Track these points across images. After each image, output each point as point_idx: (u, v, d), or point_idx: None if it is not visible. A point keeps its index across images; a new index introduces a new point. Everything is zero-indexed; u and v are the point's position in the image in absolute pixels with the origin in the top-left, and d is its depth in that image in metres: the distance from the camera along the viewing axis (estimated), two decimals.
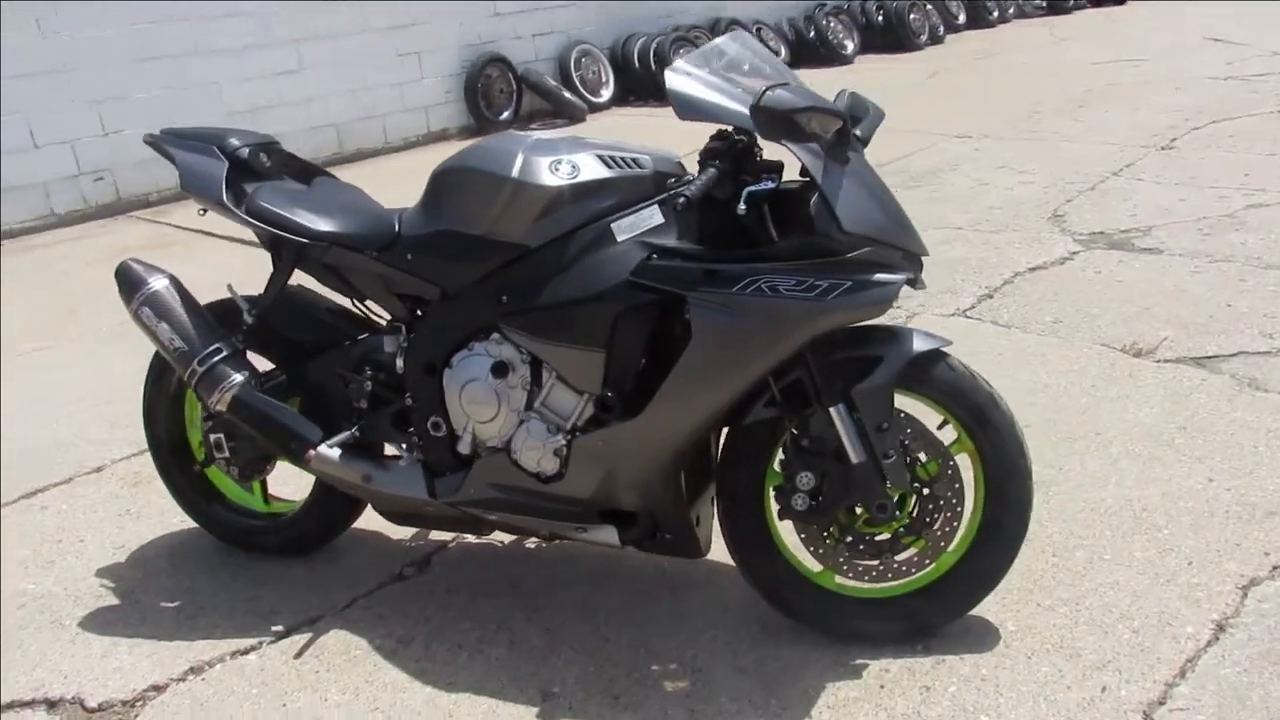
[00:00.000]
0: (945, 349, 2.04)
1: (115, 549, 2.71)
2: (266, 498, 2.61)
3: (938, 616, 2.12)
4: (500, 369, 2.09)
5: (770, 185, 1.87)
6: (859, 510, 2.05)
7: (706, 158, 1.89)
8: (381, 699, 2.08)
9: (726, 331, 1.88)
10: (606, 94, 9.28)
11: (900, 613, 2.12)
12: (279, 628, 2.34)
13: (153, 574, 2.59)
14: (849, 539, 2.08)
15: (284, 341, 2.37)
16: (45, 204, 6.30)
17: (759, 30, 10.57)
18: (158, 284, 2.29)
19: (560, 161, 2.01)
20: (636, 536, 2.15)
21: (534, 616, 2.31)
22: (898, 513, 2.03)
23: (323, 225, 2.22)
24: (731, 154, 1.89)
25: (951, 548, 2.12)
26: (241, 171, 2.33)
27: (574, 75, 9.00)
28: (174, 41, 6.67)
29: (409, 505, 2.26)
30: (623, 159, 2.03)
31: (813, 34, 10.92)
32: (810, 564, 2.14)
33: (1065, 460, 2.75)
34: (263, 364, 2.39)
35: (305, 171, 2.48)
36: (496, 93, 8.53)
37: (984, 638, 2.12)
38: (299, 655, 2.23)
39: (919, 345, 2.00)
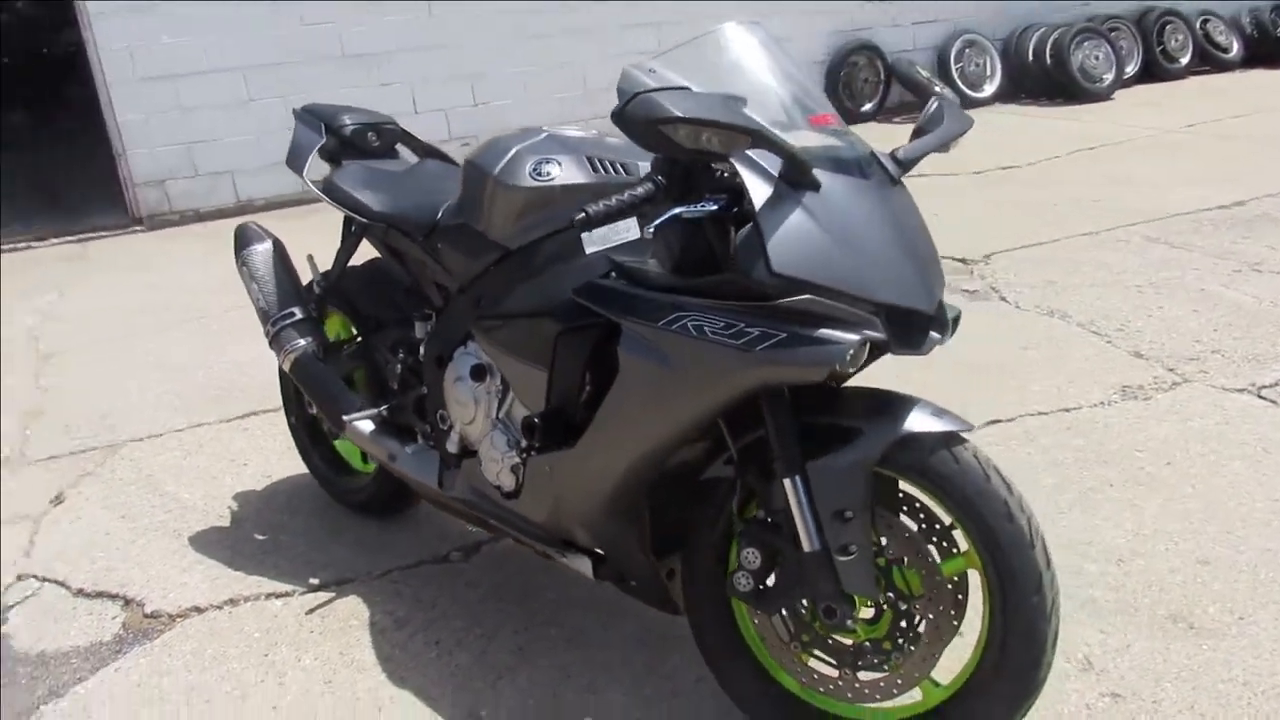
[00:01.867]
0: (962, 432, 1.61)
1: (262, 478, 3.02)
2: (365, 458, 2.75)
3: None
4: (478, 372, 2.00)
5: (708, 209, 1.57)
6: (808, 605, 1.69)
7: (655, 169, 1.63)
8: (339, 676, 2.11)
9: (649, 369, 1.63)
10: (989, 89, 8.52)
11: None
12: (315, 581, 2.46)
13: (270, 509, 2.85)
14: (805, 637, 1.73)
15: (356, 312, 2.47)
16: None
17: (1205, 23, 9.03)
18: (258, 247, 2.48)
19: (544, 162, 1.86)
20: (611, 575, 1.96)
21: (520, 633, 2.20)
22: (850, 622, 1.64)
23: (382, 207, 2.27)
24: (680, 169, 1.61)
25: (940, 680, 1.68)
26: (346, 148, 2.45)
27: (953, 67, 8.36)
28: (544, 23, 7.20)
29: (426, 491, 2.26)
30: (614, 165, 1.83)
31: None
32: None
33: None
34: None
35: (422, 151, 2.55)
36: (861, 82, 8.18)
37: None
38: (310, 612, 2.34)
39: (918, 424, 1.59)
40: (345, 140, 2.44)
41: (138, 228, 6.54)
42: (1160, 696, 1.87)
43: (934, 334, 1.62)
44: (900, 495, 1.70)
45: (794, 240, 1.50)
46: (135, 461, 3.20)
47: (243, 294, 2.62)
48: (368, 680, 2.09)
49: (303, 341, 2.38)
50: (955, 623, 1.68)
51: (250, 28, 6.47)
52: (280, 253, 2.51)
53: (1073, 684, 1.92)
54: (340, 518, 2.74)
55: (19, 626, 2.40)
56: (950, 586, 1.69)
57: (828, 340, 1.50)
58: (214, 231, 6.29)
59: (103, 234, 6.47)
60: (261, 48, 6.51)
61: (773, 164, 1.55)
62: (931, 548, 1.66)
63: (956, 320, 1.71)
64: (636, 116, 1.41)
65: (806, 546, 1.62)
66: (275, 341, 2.41)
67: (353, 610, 2.33)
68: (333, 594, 2.41)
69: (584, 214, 1.55)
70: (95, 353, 4.27)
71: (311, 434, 2.75)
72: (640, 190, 1.57)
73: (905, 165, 1.71)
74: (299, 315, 2.41)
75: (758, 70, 1.68)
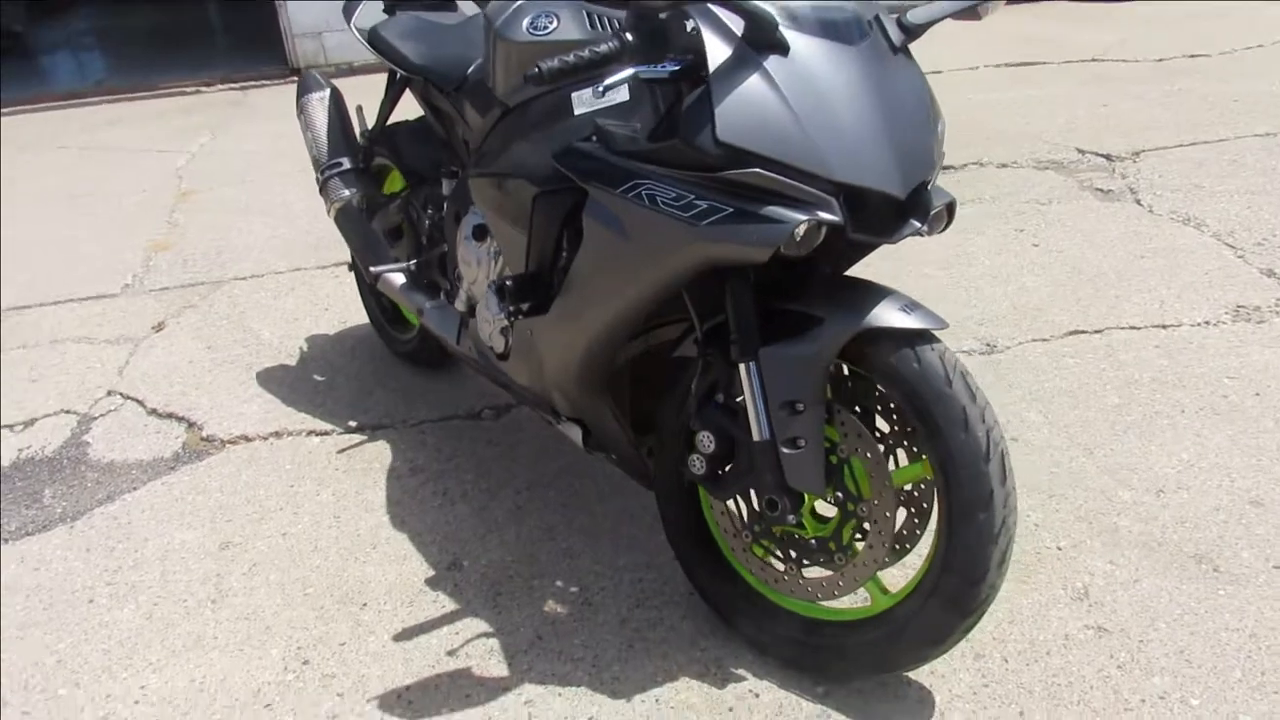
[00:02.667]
0: (934, 330, 1.50)
1: (337, 324, 3.17)
2: None
3: (851, 665, 1.66)
4: (480, 232, 2.00)
5: (668, 70, 1.46)
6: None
7: (625, 27, 1.53)
8: (347, 513, 2.24)
9: (608, 236, 1.58)
10: None
11: (812, 643, 1.69)
12: (353, 423, 2.59)
13: (333, 352, 2.99)
14: (756, 527, 1.69)
15: (404, 166, 2.50)
16: None
17: None
18: (316, 95, 2.53)
19: (542, 16, 1.78)
20: (599, 446, 1.96)
21: (521, 492, 2.26)
22: (791, 517, 1.58)
23: (420, 59, 2.26)
24: (648, 27, 1.51)
25: (890, 587, 1.62)
26: (407, 1, 2.44)
27: None
28: None
29: (448, 346, 2.31)
30: (612, 21, 1.74)
31: None
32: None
33: None
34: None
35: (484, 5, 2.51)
36: None
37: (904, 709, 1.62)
38: (341, 451, 2.47)
39: (882, 318, 1.48)
40: None
41: (295, 78, 6.80)
42: (1150, 637, 1.74)
43: (914, 222, 1.49)
44: (878, 394, 1.61)
45: (745, 107, 1.39)
46: (233, 298, 3.41)
47: None
48: (371, 520, 2.20)
49: (347, 192, 2.44)
50: (911, 531, 1.61)
51: None
52: (336, 103, 2.56)
53: (1059, 611, 1.81)
54: (391, 367, 2.85)
55: (99, 436, 2.65)
56: (903, 493, 1.61)
57: (773, 219, 1.40)
58: (364, 85, 6.47)
59: (262, 83, 6.76)
60: None
61: (741, 25, 1.43)
62: (898, 452, 1.57)
63: (951, 209, 1.57)
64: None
65: (755, 435, 1.56)
66: (323, 190, 2.48)
67: (377, 454, 2.45)
68: (365, 437, 2.52)
69: (536, 69, 1.48)
70: (227, 193, 4.53)
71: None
72: (602, 48, 1.48)
73: (912, 32, 1.55)
74: (346, 165, 2.47)
75: None
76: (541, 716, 1.67)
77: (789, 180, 1.39)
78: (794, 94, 1.40)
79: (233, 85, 6.72)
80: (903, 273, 3.19)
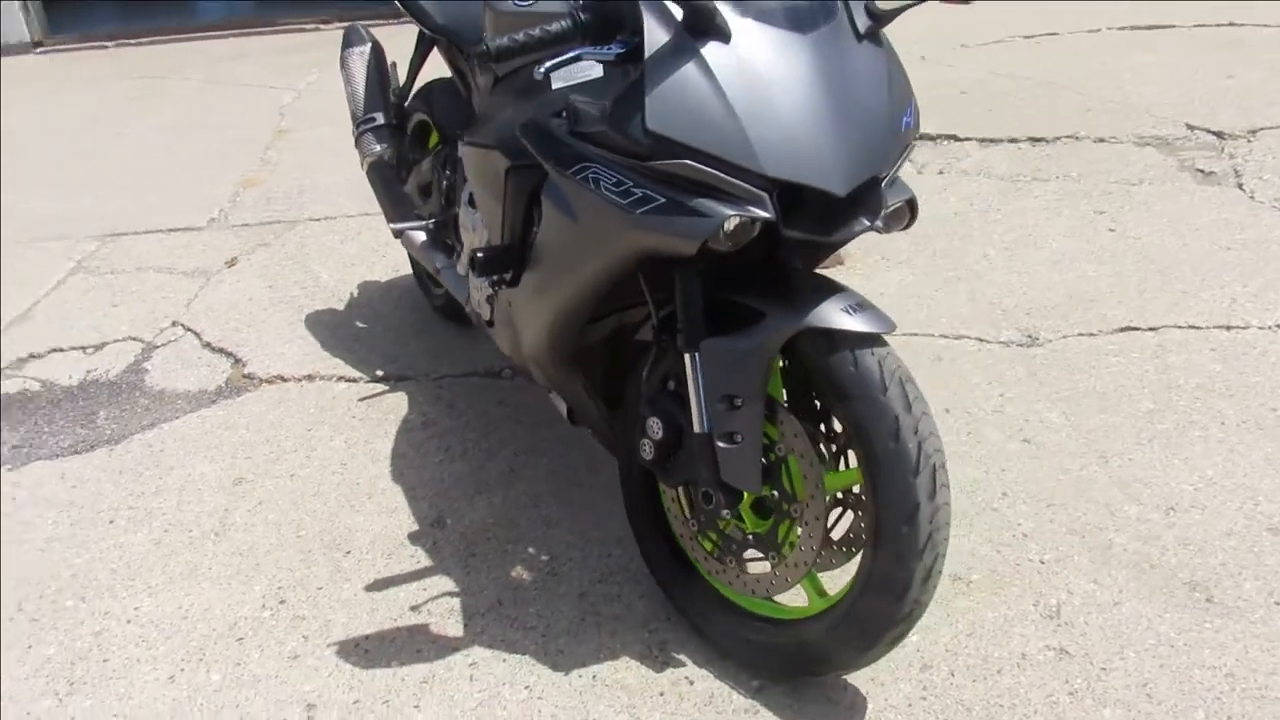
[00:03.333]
0: (882, 333, 1.45)
1: (390, 272, 3.27)
2: None
3: (781, 663, 1.65)
4: (473, 199, 2.02)
5: (614, 52, 1.43)
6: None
7: (581, 6, 1.50)
8: (354, 461, 2.33)
9: (560, 216, 1.58)
10: None
11: (746, 637, 1.69)
12: (380, 373, 2.68)
13: (379, 300, 3.09)
14: (701, 518, 1.68)
15: (437, 124, 2.54)
16: None
17: None
18: (356, 50, 2.59)
19: None
20: (582, 419, 1.99)
21: (519, 455, 2.31)
22: (726, 511, 1.57)
23: (444, 19, 2.28)
24: (606, 8, 1.47)
25: (828, 589, 1.60)
26: None
27: None
28: None
29: (462, 306, 2.36)
30: None
31: None
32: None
33: None
34: None
35: None
36: None
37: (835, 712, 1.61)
38: (363, 399, 2.57)
39: (823, 318, 1.44)
40: None
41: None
42: (1114, 665, 1.66)
43: (863, 220, 1.44)
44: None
45: (677, 96, 1.36)
46: (302, 239, 3.56)
47: None
48: (374, 469, 2.29)
49: (378, 147, 2.50)
50: (857, 534, 1.58)
51: None
52: (377, 58, 2.61)
53: (1024, 628, 1.74)
54: (428, 320, 2.93)
55: (157, 365, 2.83)
56: (845, 496, 1.58)
57: (701, 212, 1.37)
58: None
59: (375, 21, 6.91)
60: None
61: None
62: (850, 454, 1.54)
63: (912, 206, 1.50)
64: None
65: (695, 427, 1.55)
66: (357, 144, 2.55)
67: (396, 405, 2.53)
68: (387, 387, 2.61)
69: (484, 47, 1.48)
70: (321, 133, 4.68)
71: None
72: (554, 26, 1.46)
73: (880, 18, 1.48)
74: (380, 121, 2.52)
75: None
76: (482, 679, 1.72)
77: (719, 173, 1.36)
78: (730, 84, 1.36)
79: (345, 24, 6.89)
80: (962, 252, 3.07)
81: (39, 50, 6.70)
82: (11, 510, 2.25)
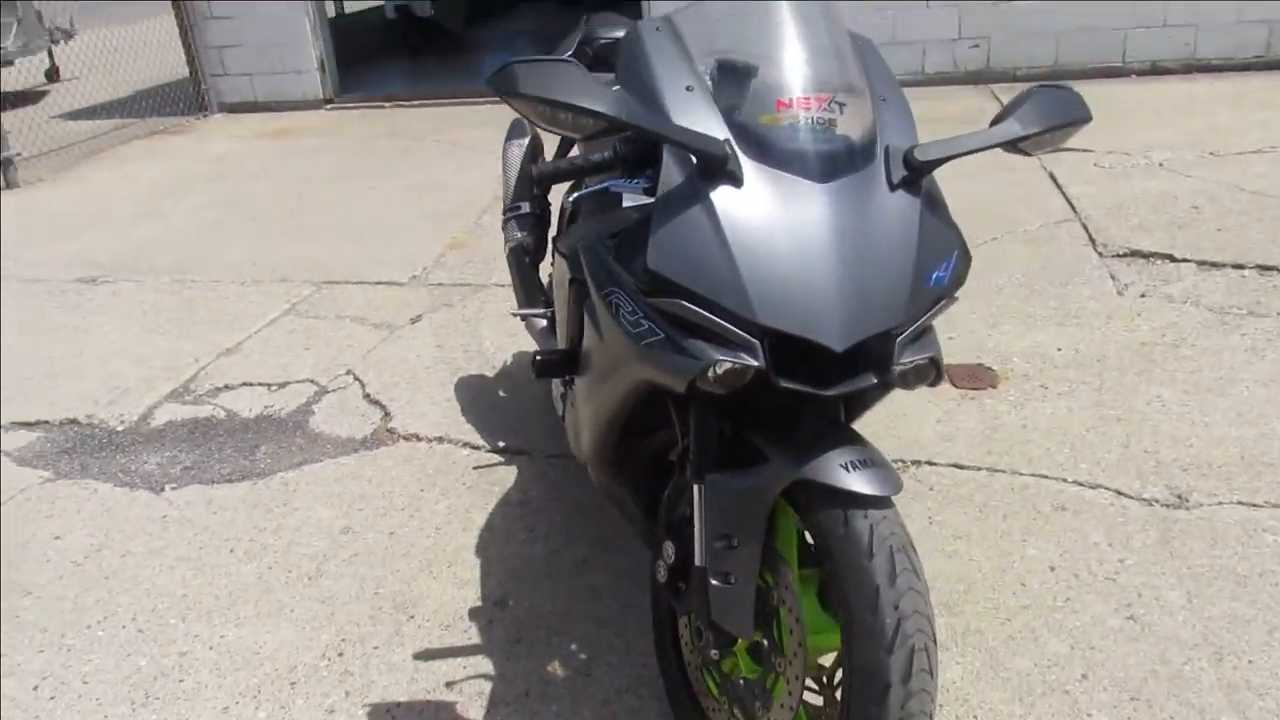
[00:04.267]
0: (875, 494, 1.38)
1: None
2: None
3: None
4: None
5: (640, 186, 1.46)
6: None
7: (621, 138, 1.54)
8: (447, 527, 2.46)
9: (593, 332, 1.63)
10: None
11: None
12: (501, 444, 2.82)
13: (522, 374, 3.21)
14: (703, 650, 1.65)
15: None
16: (919, 61, 6.82)
17: None
18: (516, 141, 2.76)
19: None
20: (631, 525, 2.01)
21: (593, 546, 2.34)
22: (716, 653, 1.53)
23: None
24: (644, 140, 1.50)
25: None
26: (598, 62, 2.59)
27: None
28: None
29: None
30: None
31: None
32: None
33: None
34: None
35: None
36: None
37: None
38: (478, 468, 2.71)
39: (819, 471, 1.39)
40: (597, 53, 2.58)
41: None
42: None
43: (869, 376, 1.38)
44: None
45: (678, 238, 1.37)
46: (481, 304, 3.80)
47: None
48: (463, 539, 2.41)
49: (519, 234, 2.65)
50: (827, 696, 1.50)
51: None
52: (533, 150, 2.77)
53: None
54: None
55: (322, 409, 3.12)
56: (800, 656, 1.50)
57: (690, 352, 1.37)
58: None
59: None
60: None
61: (730, 149, 1.40)
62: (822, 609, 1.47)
63: (936, 364, 1.42)
64: (497, 87, 1.38)
65: (697, 560, 1.53)
66: (503, 229, 2.71)
67: (503, 477, 2.65)
68: (503, 459, 2.74)
69: (533, 170, 1.57)
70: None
71: None
72: (596, 156, 1.53)
73: (918, 168, 1.43)
74: (524, 210, 2.67)
75: (769, 37, 1.50)
76: None
77: (712, 316, 1.36)
78: (733, 230, 1.36)
79: None
80: (1134, 390, 2.81)
81: (328, 106, 7.57)
82: (159, 528, 2.55)
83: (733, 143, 1.41)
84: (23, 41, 8.69)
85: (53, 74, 9.87)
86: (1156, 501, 2.34)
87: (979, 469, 2.52)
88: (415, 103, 7.55)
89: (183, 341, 3.65)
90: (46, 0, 9.54)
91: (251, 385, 3.30)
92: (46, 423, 3.13)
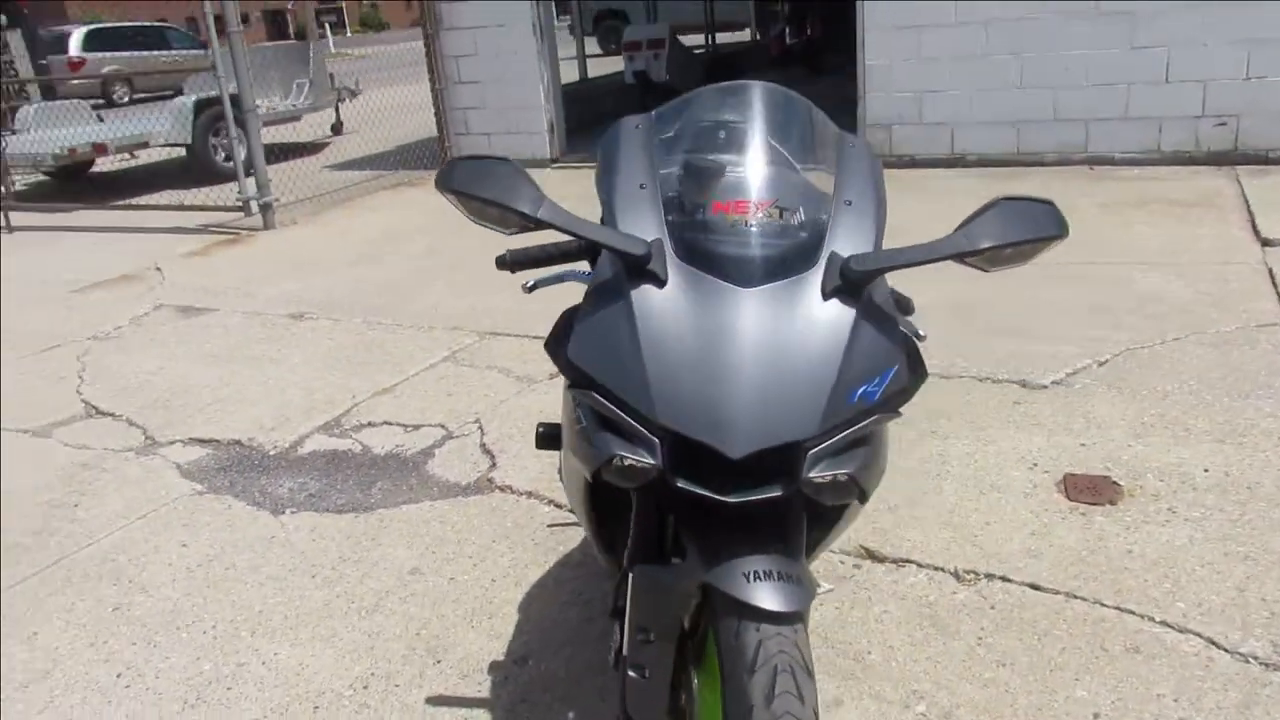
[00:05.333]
0: (774, 610, 1.34)
1: None
2: None
3: None
4: None
5: (587, 277, 1.51)
6: None
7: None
8: (503, 580, 2.56)
9: (562, 410, 1.68)
10: None
11: None
12: None
13: None
14: None
15: None
16: (1154, 138, 6.33)
17: None
18: None
19: None
20: None
21: None
22: None
23: None
24: None
25: None
26: None
27: None
28: None
29: None
30: None
31: None
32: None
33: None
34: None
35: None
36: None
37: None
38: (550, 526, 2.80)
39: (724, 577, 1.37)
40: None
41: None
42: None
43: (772, 486, 1.35)
44: None
45: (596, 332, 1.41)
46: None
47: None
48: (512, 594, 2.50)
49: None
50: None
51: None
52: None
53: None
54: None
55: (442, 453, 3.33)
56: None
57: (596, 445, 1.40)
58: (913, 180, 6.62)
59: None
60: (1010, 2, 6.38)
61: (659, 249, 1.43)
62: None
63: (848, 486, 1.36)
64: (437, 183, 1.47)
65: (624, 649, 1.54)
66: None
67: (570, 538, 2.72)
68: (575, 522, 2.81)
69: (506, 254, 1.65)
70: None
71: None
72: (562, 241, 1.60)
73: (854, 278, 1.39)
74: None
75: (732, 140, 1.52)
76: None
77: (618, 411, 1.38)
78: (646, 328, 1.38)
79: None
80: (1277, 524, 2.48)
81: (554, 165, 8.06)
82: (264, 547, 2.83)
83: (665, 243, 1.43)
84: (311, 100, 9.89)
85: (337, 128, 11.15)
86: (1254, 659, 2.05)
87: (1056, 593, 2.32)
88: None
89: (351, 379, 4.02)
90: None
91: (391, 425, 3.57)
92: (217, 441, 3.55)
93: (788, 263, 1.41)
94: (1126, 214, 5.40)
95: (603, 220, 1.53)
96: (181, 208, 7.46)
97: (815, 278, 1.40)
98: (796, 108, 1.62)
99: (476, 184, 1.42)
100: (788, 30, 13.13)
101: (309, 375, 4.10)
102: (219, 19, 6.29)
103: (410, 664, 2.26)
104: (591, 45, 17.78)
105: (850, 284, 1.40)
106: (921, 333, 1.66)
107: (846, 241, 1.45)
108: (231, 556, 2.78)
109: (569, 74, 10.44)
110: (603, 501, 1.72)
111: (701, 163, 1.54)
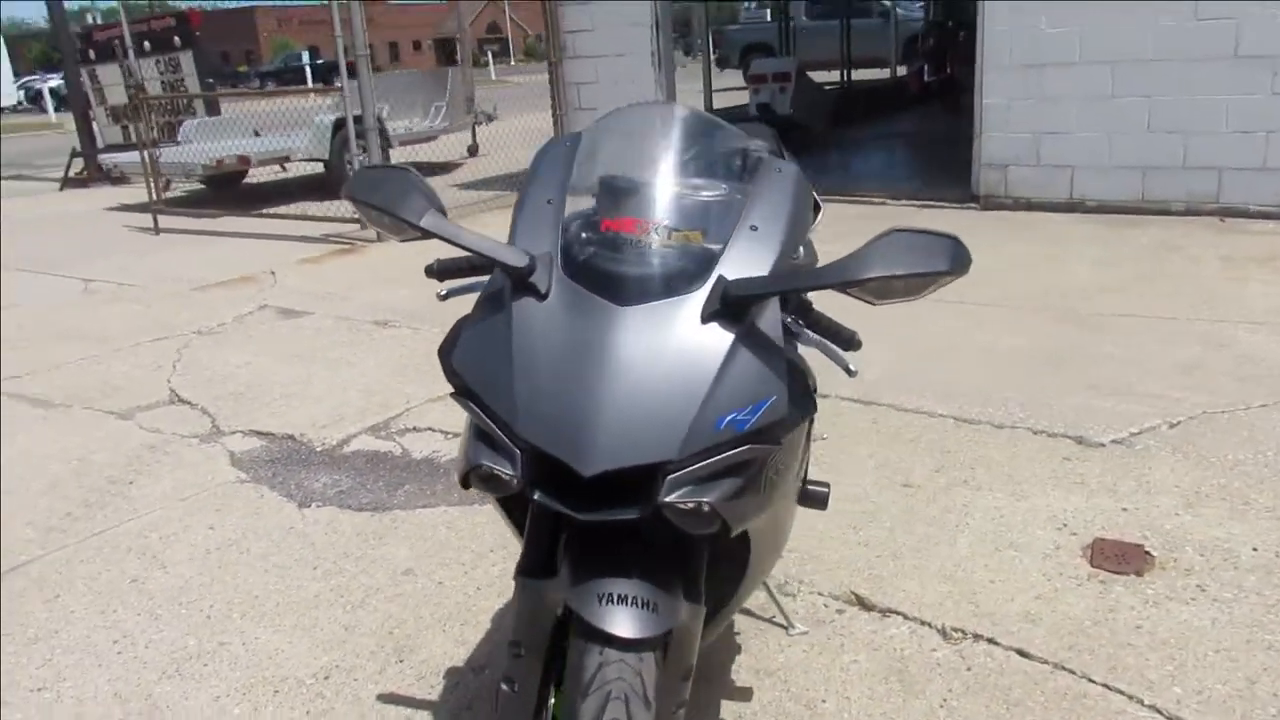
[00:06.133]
0: (621, 635, 1.32)
1: None
2: None
3: None
4: None
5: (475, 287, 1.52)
6: None
7: None
8: (490, 588, 2.58)
9: None
10: None
11: None
12: None
13: None
14: None
15: None
16: (1213, 190, 5.98)
17: None
18: None
19: None
20: None
21: None
22: None
23: None
24: None
25: None
26: None
27: None
28: None
29: None
30: None
31: None
32: None
33: None
34: None
35: None
36: None
37: None
38: None
39: (580, 599, 1.37)
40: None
41: (972, 205, 6.93)
42: None
43: (628, 508, 1.32)
44: None
45: (477, 342, 1.43)
46: None
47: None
48: (493, 604, 2.51)
49: None
50: None
51: (1134, 20, 6.06)
52: None
53: None
54: None
55: None
56: None
57: (466, 452, 1.41)
58: (1026, 223, 6.37)
59: (940, 204, 7.04)
60: (1139, 42, 6.07)
61: (546, 263, 1.44)
62: None
63: (709, 516, 1.32)
64: (343, 191, 1.51)
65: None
66: None
67: None
68: None
69: (435, 262, 1.69)
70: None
71: None
72: (486, 248, 1.62)
73: (733, 302, 1.35)
74: None
75: (643, 160, 1.52)
76: None
77: (487, 421, 1.38)
78: (519, 340, 1.38)
79: (914, 202, 7.14)
80: (1194, 636, 2.25)
81: None
82: (280, 537, 2.94)
83: (555, 257, 1.43)
84: (447, 122, 10.31)
85: (472, 150, 11.57)
86: None
87: (1044, 662, 2.16)
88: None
89: (411, 385, 4.15)
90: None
91: (434, 431, 3.67)
92: (272, 434, 3.72)
93: (671, 283, 1.39)
94: (1248, 269, 5.03)
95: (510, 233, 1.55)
96: (306, 217, 7.90)
97: (697, 300, 1.37)
98: (718, 132, 1.60)
99: (371, 192, 1.46)
100: (926, 68, 12.86)
101: (375, 379, 4.25)
102: (347, 49, 6.67)
103: (375, 660, 2.31)
104: (737, 78, 17.88)
105: (730, 308, 1.36)
106: (853, 368, 1.60)
107: (740, 267, 1.42)
108: (249, 543, 2.91)
109: (694, 104, 10.53)
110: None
111: (610, 181, 1.54)
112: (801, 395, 1.40)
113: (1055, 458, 3.13)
